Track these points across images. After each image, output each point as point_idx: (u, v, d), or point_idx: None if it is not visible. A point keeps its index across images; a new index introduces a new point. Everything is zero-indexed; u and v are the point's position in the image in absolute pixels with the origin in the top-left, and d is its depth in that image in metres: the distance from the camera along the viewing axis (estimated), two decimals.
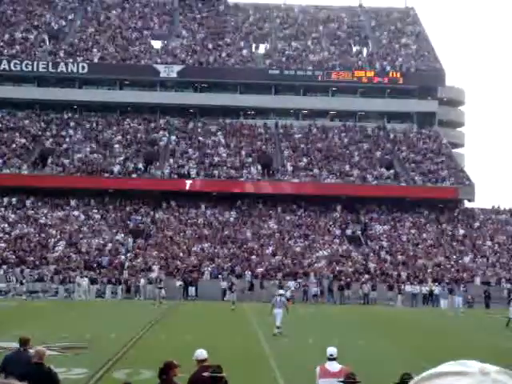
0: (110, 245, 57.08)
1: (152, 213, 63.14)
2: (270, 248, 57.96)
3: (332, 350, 11.92)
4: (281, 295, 30.42)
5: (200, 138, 70.80)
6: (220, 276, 53.22)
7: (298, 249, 58.12)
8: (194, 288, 51.26)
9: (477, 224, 64.17)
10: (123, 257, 55.75)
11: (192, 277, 52.16)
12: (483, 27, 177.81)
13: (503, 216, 65.98)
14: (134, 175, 64.52)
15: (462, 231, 62.53)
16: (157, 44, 79.80)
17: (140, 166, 65.67)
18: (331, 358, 11.77)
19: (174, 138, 70.95)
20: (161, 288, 46.14)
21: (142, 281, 51.45)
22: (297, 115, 75.96)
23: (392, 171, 67.33)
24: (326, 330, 30.03)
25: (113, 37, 78.81)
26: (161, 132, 71.71)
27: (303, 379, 16.54)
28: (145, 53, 76.80)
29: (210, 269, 54.21)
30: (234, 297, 44.83)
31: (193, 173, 64.86)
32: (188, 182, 63.67)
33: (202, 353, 11.45)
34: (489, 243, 60.92)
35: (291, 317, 33.02)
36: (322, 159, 68.53)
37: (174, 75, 73.83)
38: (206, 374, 10.09)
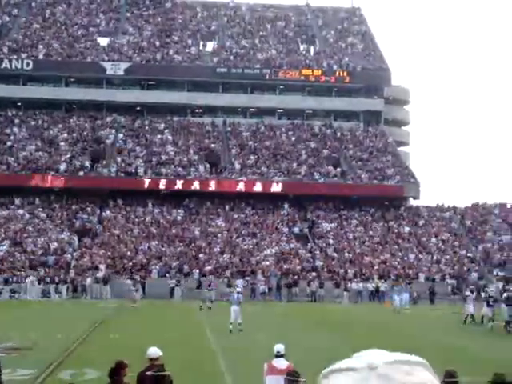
0: (55, 244, 56.38)
1: (99, 211, 62.56)
2: (218, 246, 57.94)
3: (279, 347, 12.00)
4: (238, 292, 31.02)
5: (147, 136, 70.41)
6: (168, 275, 53.03)
7: (245, 247, 58.22)
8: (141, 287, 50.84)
9: (422, 221, 65.12)
10: (69, 256, 55.14)
11: (139, 275, 51.83)
12: (428, 27, 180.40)
13: (447, 213, 67.07)
14: (80, 173, 63.81)
15: (407, 229, 63.37)
16: (103, 41, 78.99)
17: (86, 164, 64.99)
18: (278, 355, 11.85)
19: (121, 135, 70.42)
20: (137, 290, 45.77)
21: (89, 280, 50.97)
22: (244, 113, 76.08)
23: (339, 169, 67.90)
24: (274, 328, 30.17)
25: (58, 33, 77.82)
26: (107, 130, 71.08)
27: (251, 376, 16.61)
28: (91, 50, 75.99)
29: (157, 267, 53.97)
30: (212, 296, 43.98)
31: (140, 171, 64.46)
32: (135, 181, 63.23)
33: (153, 351, 11.42)
34: (433, 240, 61.87)
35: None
36: (269, 157, 68.75)
37: (121, 73, 73.24)
38: (148, 372, 10.07)
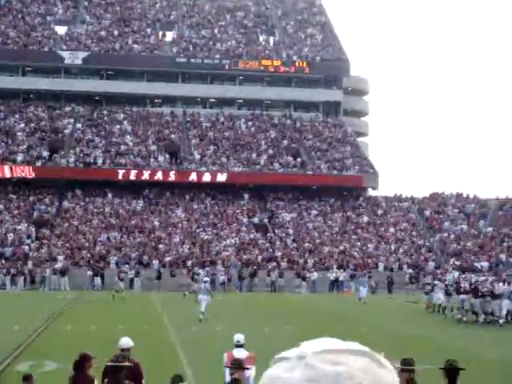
0: (12, 235, 55.73)
1: (57, 202, 61.99)
2: (178, 237, 57.84)
3: (239, 337, 12.06)
4: (205, 282, 31.97)
5: (106, 126, 69.89)
6: (127, 265, 52.77)
7: (205, 237, 58.20)
8: (99, 278, 50.59)
9: (380, 211, 65.70)
10: (27, 247, 54.56)
11: (98, 266, 51.53)
12: (386, 18, 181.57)
13: (405, 203, 67.75)
14: (38, 164, 63.10)
15: (366, 219, 63.89)
16: (61, 30, 78.02)
17: (44, 154, 64.31)
18: (238, 345, 11.91)
19: (79, 125, 69.77)
20: (122, 279, 45.21)
21: (47, 271, 50.53)
22: (204, 104, 75.91)
23: (298, 159, 68.15)
24: (234, 318, 30.26)
25: (14, 22, 76.72)
26: (66, 120, 70.37)
27: (211, 366, 16.66)
28: (48, 38, 75.08)
29: (116, 258, 53.69)
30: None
31: (99, 161, 63.99)
32: (94, 171, 62.75)
33: (124, 341, 11.39)
34: (391, 230, 62.47)
35: (199, 305, 33.11)
36: (229, 148, 68.74)
37: (79, 62, 72.51)
38: (109, 363, 10.04)
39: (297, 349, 1.27)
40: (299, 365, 1.24)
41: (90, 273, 50.75)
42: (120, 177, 62.86)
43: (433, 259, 58.44)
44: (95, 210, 60.89)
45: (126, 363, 9.91)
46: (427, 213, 66.08)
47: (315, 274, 52.91)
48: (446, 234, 62.97)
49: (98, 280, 50.46)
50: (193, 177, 63.94)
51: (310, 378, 1.22)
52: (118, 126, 70.03)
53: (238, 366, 9.97)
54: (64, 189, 63.01)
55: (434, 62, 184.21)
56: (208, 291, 30.62)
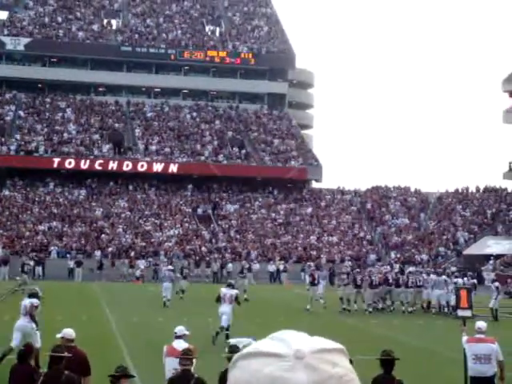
0: None
1: None
2: (121, 227, 57.42)
3: (179, 329, 12.07)
4: (170, 270, 34.20)
5: (48, 114, 68.88)
6: (68, 255, 52.21)
7: (148, 228, 57.92)
8: (40, 267, 49.97)
9: (323, 204, 66.22)
10: None
11: (39, 256, 50.84)
12: (332, 12, 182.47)
13: (348, 196, 68.42)
14: None
15: (309, 211, 64.33)
16: (2, 15, 76.43)
17: None
18: (178, 336, 11.92)
19: (21, 113, 68.60)
20: (26, 272, 44.52)
21: None
22: (149, 93, 75.38)
23: (243, 151, 68.23)
24: (177, 309, 30.21)
25: None
26: (7, 106, 69.12)
27: (151, 358, 16.65)
28: None
29: (57, 248, 53.05)
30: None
31: (41, 149, 63.05)
32: (35, 159, 61.79)
33: (65, 332, 11.32)
34: (334, 222, 63.03)
35: (142, 296, 33.06)
36: (173, 138, 68.44)
37: (21, 48, 71.24)
38: (47, 353, 9.98)
39: (281, 344, 1.22)
40: (298, 365, 1.19)
41: (31, 262, 49.97)
42: (62, 166, 62.02)
43: (374, 252, 59.19)
44: (36, 199, 60.03)
45: (66, 353, 9.85)
46: (369, 206, 66.86)
47: (257, 265, 53.04)
48: (387, 227, 63.82)
49: (39, 270, 49.80)
50: (136, 167, 63.47)
51: (315, 381, 1.18)
52: (61, 114, 69.09)
53: (188, 355, 9.94)
54: (4, 177, 61.90)
55: (378, 56, 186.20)
56: (171, 279, 32.80)
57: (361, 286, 31.70)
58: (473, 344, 12.09)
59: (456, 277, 34.34)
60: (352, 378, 1.24)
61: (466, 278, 33.60)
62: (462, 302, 12.63)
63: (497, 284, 32.12)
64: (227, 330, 20.71)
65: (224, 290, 22.18)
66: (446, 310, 31.74)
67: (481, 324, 12.43)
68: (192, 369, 9.99)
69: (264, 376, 1.18)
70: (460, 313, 12.74)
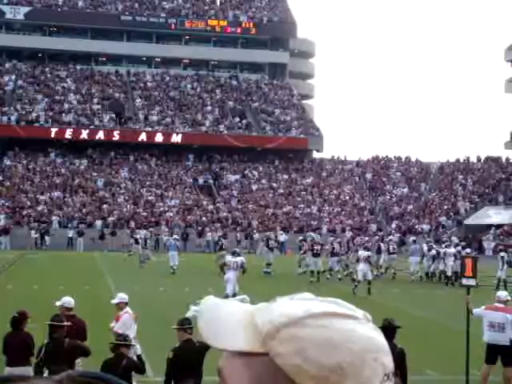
0: None
1: None
2: (122, 197, 57.48)
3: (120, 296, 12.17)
4: (175, 239, 35.13)
5: (49, 84, 68.61)
6: (70, 225, 52.33)
7: (150, 198, 57.97)
8: (48, 238, 50.21)
9: (324, 174, 66.20)
10: None
11: (43, 227, 50.99)
12: None
13: (349, 166, 68.38)
14: None
15: (310, 181, 64.33)
16: None
17: None
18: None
19: (21, 82, 68.34)
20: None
21: None
22: (149, 63, 75.03)
23: (244, 121, 68.07)
24: (178, 278, 30.37)
25: None
26: (6, 76, 68.84)
27: (152, 326, 16.75)
28: None
29: (58, 218, 53.15)
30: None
31: (41, 119, 62.90)
32: (36, 129, 61.67)
33: (66, 301, 11.44)
34: (335, 192, 63.05)
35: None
36: (174, 108, 68.25)
37: (21, 17, 70.79)
38: (47, 322, 10.05)
39: (349, 307, 1.18)
40: (372, 327, 1.17)
41: (33, 232, 50.16)
42: (63, 136, 61.93)
43: (375, 221, 59.30)
44: (37, 169, 60.02)
45: (64, 323, 9.94)
46: (370, 176, 66.85)
47: (257, 235, 53.15)
48: (388, 197, 63.88)
49: (48, 239, 50.04)
50: (137, 137, 63.37)
51: (385, 343, 1.18)
52: (62, 84, 68.83)
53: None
54: (5, 147, 61.83)
55: (380, 25, 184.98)
56: (177, 247, 34.08)
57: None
58: (490, 311, 12.64)
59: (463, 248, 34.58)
60: None
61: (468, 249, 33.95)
62: (467, 271, 12.71)
63: (503, 254, 32.11)
64: (233, 297, 20.88)
65: (229, 258, 22.63)
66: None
67: (500, 293, 13.23)
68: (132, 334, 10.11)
69: (361, 335, 1.13)
70: (464, 281, 12.83)
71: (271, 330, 1.12)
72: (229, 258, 22.77)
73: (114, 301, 12.10)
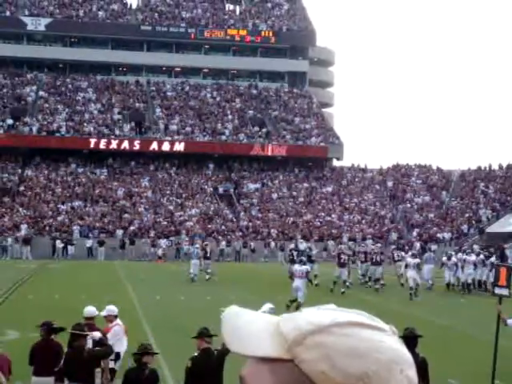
0: None
1: (20, 171, 61.30)
2: (143, 206, 57.64)
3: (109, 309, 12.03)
4: (197, 248, 35.53)
5: (70, 94, 69.06)
6: (90, 235, 52.54)
7: (170, 207, 58.08)
8: (73, 247, 50.38)
9: (344, 182, 66.02)
10: None
11: (64, 236, 51.20)
12: None
13: (369, 174, 68.14)
14: (0, 132, 62.22)
15: (330, 189, 64.17)
16: None
17: (7, 122, 63.38)
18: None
19: (42, 93, 68.85)
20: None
21: (10, 240, 50.09)
22: (169, 73, 75.33)
23: (264, 130, 68.09)
24: (198, 287, 30.35)
25: None
26: (28, 87, 69.39)
27: (173, 335, 16.73)
28: (10, 4, 73.68)
29: (79, 228, 53.37)
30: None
31: (62, 129, 63.29)
32: (57, 139, 62.03)
33: (86, 310, 11.50)
34: (355, 200, 62.83)
35: (164, 274, 33.25)
36: (194, 117, 68.42)
37: (42, 28, 71.39)
38: (69, 330, 10.07)
39: (374, 319, 1.19)
40: (398, 340, 1.18)
41: (58, 242, 50.33)
42: (83, 146, 62.28)
43: (396, 230, 59.00)
44: (58, 179, 60.36)
45: (87, 333, 9.94)
46: (390, 184, 66.58)
47: (273, 243, 53.45)
48: (409, 205, 63.57)
49: (72, 249, 50.20)
50: (158, 146, 63.58)
51: (410, 357, 1.19)
52: (82, 95, 69.26)
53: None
54: (27, 157, 62.31)
55: (399, 33, 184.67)
56: (199, 256, 34.19)
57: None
58: None
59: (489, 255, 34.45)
60: None
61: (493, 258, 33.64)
62: (501, 280, 12.61)
63: None
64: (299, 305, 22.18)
65: (296, 267, 24.44)
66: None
67: None
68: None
69: (388, 347, 1.14)
70: (497, 290, 12.71)
71: (298, 337, 1.14)
72: (296, 267, 24.26)
73: (103, 313, 11.96)
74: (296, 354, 1.13)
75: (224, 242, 52.32)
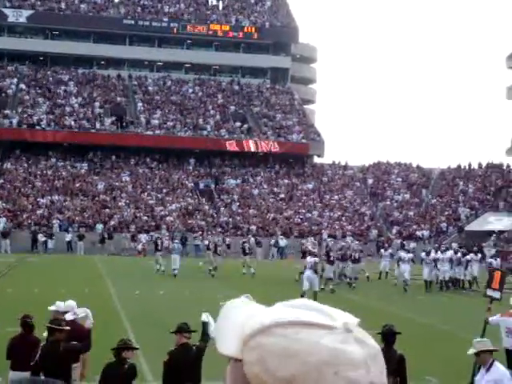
0: None
1: None
2: (123, 201, 57.44)
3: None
4: (178, 243, 36.67)
5: (51, 87, 68.65)
6: (70, 229, 52.27)
7: (150, 202, 57.93)
8: (52, 241, 50.10)
9: (325, 179, 66.15)
10: None
11: (44, 230, 50.90)
12: None
13: (350, 171, 68.33)
14: None
15: (311, 186, 64.28)
16: None
17: None
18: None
19: (23, 86, 68.37)
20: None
21: None
22: (151, 67, 75.06)
23: (245, 126, 68.06)
24: (179, 282, 30.32)
25: None
26: (8, 79, 68.88)
27: (153, 330, 16.72)
28: None
29: (59, 221, 53.09)
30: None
31: (43, 123, 62.91)
32: (38, 132, 61.64)
33: (59, 304, 11.37)
34: (336, 198, 62.97)
35: (143, 269, 33.20)
36: (175, 112, 68.26)
37: (24, 20, 70.86)
38: (47, 324, 10.02)
39: (328, 315, 1.12)
40: (350, 338, 1.09)
41: (40, 236, 50.03)
42: (64, 139, 61.92)
43: (376, 227, 59.25)
44: (38, 173, 60.01)
45: (64, 328, 9.86)
46: (371, 181, 66.81)
47: (284, 241, 53.51)
48: (389, 203, 63.82)
49: (51, 243, 49.91)
50: (138, 141, 63.36)
51: (370, 356, 1.10)
52: (63, 88, 68.86)
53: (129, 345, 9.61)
54: (6, 150, 61.86)
55: (381, 31, 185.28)
56: (180, 251, 35.26)
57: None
58: (506, 318, 13.14)
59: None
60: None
61: (472, 254, 33.95)
62: (494, 283, 12.78)
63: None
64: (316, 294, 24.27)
65: (308, 259, 25.96)
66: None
67: None
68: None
69: (323, 347, 1.07)
70: (489, 292, 12.87)
71: (246, 338, 1.11)
72: (308, 259, 25.77)
73: (52, 308, 11.69)
74: (242, 354, 1.11)
75: (201, 238, 52.25)
